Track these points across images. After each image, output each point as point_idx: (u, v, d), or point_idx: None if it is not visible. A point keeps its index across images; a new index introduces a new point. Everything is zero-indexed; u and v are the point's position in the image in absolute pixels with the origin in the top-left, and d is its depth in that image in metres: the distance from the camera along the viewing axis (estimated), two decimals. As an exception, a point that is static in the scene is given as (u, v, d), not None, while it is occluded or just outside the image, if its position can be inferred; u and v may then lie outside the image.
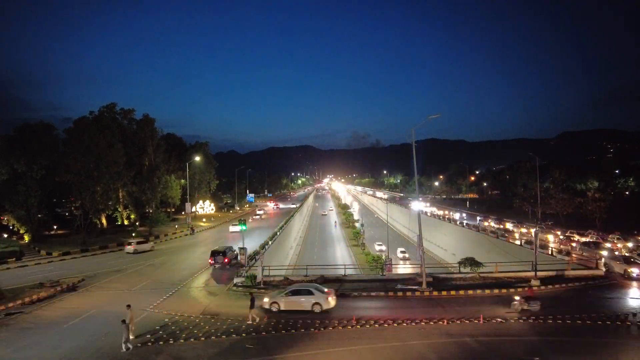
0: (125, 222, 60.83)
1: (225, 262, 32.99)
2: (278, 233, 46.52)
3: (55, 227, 55.62)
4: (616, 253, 34.15)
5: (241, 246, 31.33)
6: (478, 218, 70.89)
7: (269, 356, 15.52)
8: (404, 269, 43.32)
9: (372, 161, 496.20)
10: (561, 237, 48.75)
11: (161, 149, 65.94)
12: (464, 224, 61.20)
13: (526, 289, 21.38)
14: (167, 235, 52.15)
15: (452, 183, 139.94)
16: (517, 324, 18.84)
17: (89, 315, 20.72)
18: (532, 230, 46.51)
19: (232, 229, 54.57)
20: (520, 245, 40.15)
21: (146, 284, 27.19)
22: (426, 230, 48.76)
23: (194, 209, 74.00)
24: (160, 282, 27.61)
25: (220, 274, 30.06)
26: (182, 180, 70.87)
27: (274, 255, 39.26)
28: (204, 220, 69.79)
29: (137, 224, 59.07)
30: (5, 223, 53.05)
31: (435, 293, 24.36)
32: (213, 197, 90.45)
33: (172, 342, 16.94)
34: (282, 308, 20.65)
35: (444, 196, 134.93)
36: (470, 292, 24.51)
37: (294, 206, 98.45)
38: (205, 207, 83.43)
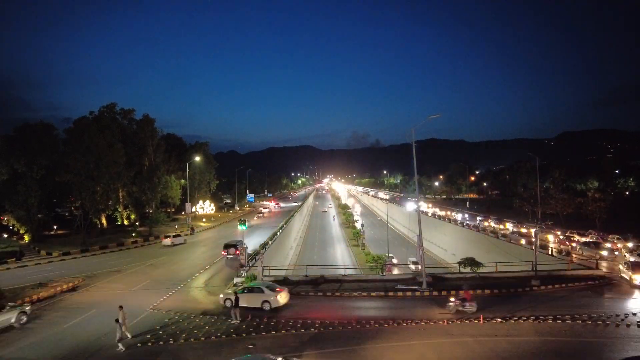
0: (125, 222, 60.84)
1: (237, 254, 35.39)
2: (278, 233, 46.53)
3: (55, 227, 55.65)
4: (627, 257, 33.63)
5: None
6: (478, 218, 70.87)
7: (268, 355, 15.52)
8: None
9: (372, 161, 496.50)
10: (561, 237, 48.73)
11: (161, 149, 65.97)
12: (464, 224, 61.21)
13: (462, 291, 21.55)
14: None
15: (452, 183, 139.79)
16: (517, 324, 18.83)
17: (89, 315, 20.73)
18: (532, 230, 46.50)
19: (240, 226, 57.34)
20: (521, 245, 40.17)
21: (146, 284, 27.19)
22: (426, 230, 48.75)
23: (194, 209, 74.02)
24: (160, 282, 27.62)
25: (221, 273, 30.05)
26: (182, 180, 70.87)
27: (274, 255, 39.28)
28: (204, 220, 69.79)
29: (137, 224, 59.07)
30: (5, 223, 53.08)
31: (435, 293, 24.34)
32: (213, 197, 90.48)
33: (172, 342, 16.94)
34: (240, 305, 20.86)
35: (444, 196, 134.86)
36: (470, 292, 24.45)
37: (295, 204, 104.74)
38: (205, 207, 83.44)
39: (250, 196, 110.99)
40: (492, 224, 65.26)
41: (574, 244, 43.35)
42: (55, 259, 37.00)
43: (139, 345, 16.68)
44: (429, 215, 77.49)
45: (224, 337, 17.56)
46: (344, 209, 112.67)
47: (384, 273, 30.52)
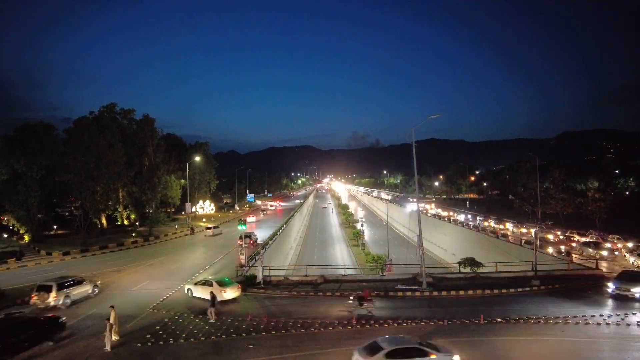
0: (125, 222, 60.83)
1: (251, 244, 40.49)
2: (278, 233, 46.56)
3: (55, 227, 55.63)
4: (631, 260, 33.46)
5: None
6: (478, 218, 70.89)
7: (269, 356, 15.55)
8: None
9: (372, 161, 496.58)
10: (561, 237, 48.74)
11: (161, 149, 65.92)
12: (465, 224, 61.22)
13: (362, 290, 22.08)
14: (167, 235, 52.13)
15: (452, 183, 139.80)
16: (522, 325, 18.83)
17: (88, 315, 20.72)
18: (532, 230, 46.51)
19: (250, 219, 68.26)
20: (520, 245, 40.18)
21: (146, 284, 27.18)
22: (426, 230, 48.72)
23: (194, 209, 74.01)
24: (160, 282, 27.60)
25: (221, 273, 29.99)
26: (182, 180, 70.84)
27: (274, 255, 39.32)
28: (204, 220, 69.75)
29: (137, 224, 59.06)
30: (5, 223, 53.06)
31: (435, 293, 24.36)
32: (213, 197, 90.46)
33: (172, 342, 16.94)
34: (194, 295, 23.56)
35: (444, 196, 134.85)
36: (470, 292, 24.51)
37: (298, 201, 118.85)
38: (205, 207, 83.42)
39: (250, 196, 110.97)
40: (492, 224, 65.27)
41: (574, 244, 43.39)
42: (55, 259, 36.97)
43: (139, 345, 16.68)
44: (429, 215, 77.51)
45: (224, 337, 17.56)
46: (343, 209, 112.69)
47: (384, 273, 30.53)
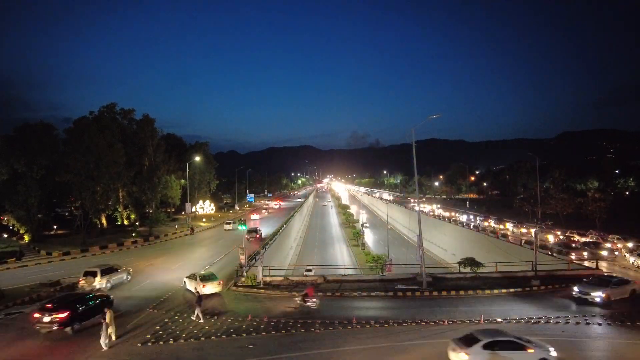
0: (125, 222, 60.80)
1: (257, 238, 45.44)
2: (278, 233, 46.56)
3: (55, 227, 55.59)
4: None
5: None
6: (477, 218, 70.92)
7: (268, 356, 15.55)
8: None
9: (372, 161, 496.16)
10: (561, 237, 48.73)
11: (161, 149, 65.89)
12: (465, 224, 61.22)
13: (306, 288, 22.70)
14: (167, 235, 52.11)
15: (452, 183, 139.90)
16: (516, 325, 18.84)
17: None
18: (532, 230, 46.50)
19: (254, 217, 72.07)
20: (520, 245, 40.17)
21: (146, 284, 27.18)
22: (426, 230, 48.71)
23: (194, 209, 73.98)
24: (160, 282, 27.60)
25: (221, 273, 29.99)
26: (182, 180, 70.82)
27: (274, 255, 39.29)
28: (204, 220, 69.76)
29: (137, 224, 59.04)
30: (5, 223, 53.02)
31: (435, 293, 24.36)
32: (213, 197, 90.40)
33: (172, 342, 16.95)
34: (187, 287, 25.32)
35: (444, 196, 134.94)
36: (470, 292, 24.52)
37: (300, 200, 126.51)
38: (205, 207, 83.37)
39: (250, 196, 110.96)
40: (492, 224, 65.28)
41: (573, 244, 43.37)
42: (55, 259, 36.97)
43: (139, 345, 16.69)
44: (430, 215, 77.46)
45: (224, 337, 17.57)
46: (343, 209, 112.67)
47: (384, 273, 30.53)
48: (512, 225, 60.69)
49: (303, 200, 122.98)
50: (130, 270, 28.60)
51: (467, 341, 14.13)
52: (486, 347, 13.67)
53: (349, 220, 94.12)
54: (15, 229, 49.39)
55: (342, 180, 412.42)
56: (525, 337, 14.58)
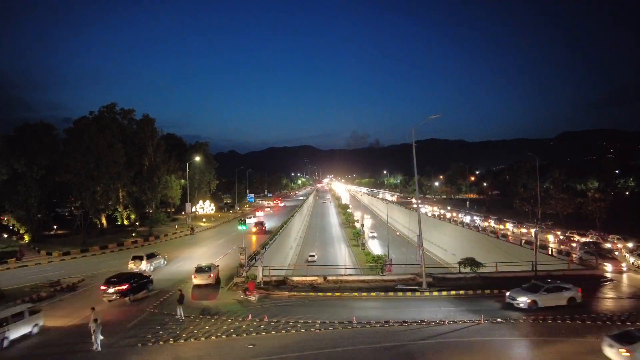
0: (125, 222, 60.79)
1: (262, 230, 50.57)
2: (278, 233, 46.56)
3: (55, 227, 55.58)
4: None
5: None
6: (477, 218, 70.90)
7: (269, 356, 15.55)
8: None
9: (372, 161, 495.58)
10: (561, 237, 48.71)
11: (161, 149, 65.89)
12: (464, 224, 61.21)
13: (247, 283, 24.51)
14: (167, 235, 52.10)
15: (452, 183, 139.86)
16: (518, 324, 18.85)
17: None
18: (532, 231, 46.49)
19: (258, 213, 75.42)
20: (520, 245, 40.17)
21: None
22: (426, 230, 48.76)
23: (194, 209, 73.97)
24: (160, 282, 27.54)
25: (221, 273, 30.04)
26: (182, 180, 70.82)
27: (274, 255, 39.30)
28: (204, 220, 69.74)
29: (137, 224, 59.05)
30: (5, 223, 53.03)
31: (435, 293, 24.35)
32: (213, 197, 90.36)
33: (172, 342, 16.96)
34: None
35: (444, 196, 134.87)
36: (470, 292, 24.52)
37: (302, 198, 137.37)
38: (205, 207, 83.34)
39: (250, 196, 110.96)
40: (492, 224, 65.26)
41: (574, 244, 43.35)
42: (55, 259, 36.98)
43: (140, 345, 16.69)
44: (430, 215, 77.43)
45: (224, 337, 17.57)
46: (343, 209, 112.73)
47: (384, 273, 30.53)
48: (512, 225, 60.66)
49: (303, 199, 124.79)
50: (166, 257, 34.25)
51: (627, 338, 14.17)
52: None
53: (349, 220, 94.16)
54: (15, 229, 49.40)
55: (342, 180, 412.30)
56: None
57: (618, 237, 43.85)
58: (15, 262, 35.35)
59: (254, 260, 30.92)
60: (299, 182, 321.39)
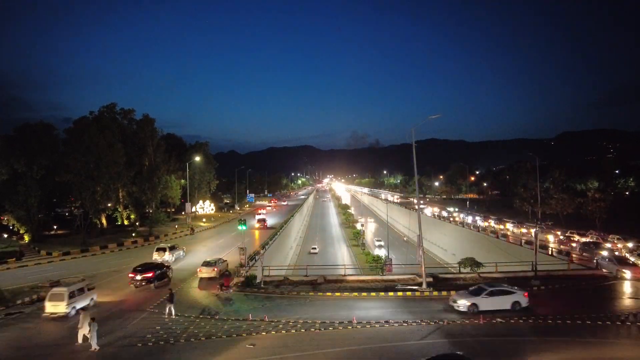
0: (125, 222, 60.79)
1: (265, 226, 55.13)
2: (278, 234, 46.55)
3: (55, 227, 55.56)
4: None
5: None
6: (477, 218, 70.91)
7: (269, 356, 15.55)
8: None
9: (372, 161, 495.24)
10: (561, 237, 48.72)
11: (161, 149, 65.84)
12: (464, 224, 61.22)
13: (223, 279, 26.13)
14: (167, 235, 52.07)
15: (452, 183, 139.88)
16: (515, 324, 18.85)
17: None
18: (532, 230, 46.50)
19: (261, 211, 78.03)
20: (520, 245, 40.16)
21: (145, 284, 27.13)
22: (426, 230, 48.76)
23: (194, 209, 73.95)
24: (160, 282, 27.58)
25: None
26: (182, 181, 70.80)
27: (274, 255, 39.30)
28: (204, 220, 69.73)
29: (137, 224, 59.05)
30: (5, 223, 53.01)
31: (435, 293, 24.35)
32: (213, 197, 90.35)
33: (172, 342, 16.96)
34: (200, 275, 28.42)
35: (444, 196, 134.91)
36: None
37: (303, 197, 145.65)
38: (205, 207, 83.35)
39: (250, 196, 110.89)
40: (492, 224, 65.27)
41: (574, 244, 43.37)
42: (55, 259, 36.96)
43: (140, 345, 16.68)
44: (430, 215, 77.40)
45: (224, 337, 17.57)
46: (344, 209, 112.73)
47: (384, 273, 30.53)
48: (512, 225, 60.67)
49: (304, 199, 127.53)
50: (185, 249, 37.77)
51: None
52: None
53: (349, 220, 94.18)
54: (15, 229, 49.37)
55: (342, 180, 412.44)
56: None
57: (618, 237, 43.88)
58: (15, 262, 35.33)
59: (254, 260, 30.91)
60: (299, 182, 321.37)
